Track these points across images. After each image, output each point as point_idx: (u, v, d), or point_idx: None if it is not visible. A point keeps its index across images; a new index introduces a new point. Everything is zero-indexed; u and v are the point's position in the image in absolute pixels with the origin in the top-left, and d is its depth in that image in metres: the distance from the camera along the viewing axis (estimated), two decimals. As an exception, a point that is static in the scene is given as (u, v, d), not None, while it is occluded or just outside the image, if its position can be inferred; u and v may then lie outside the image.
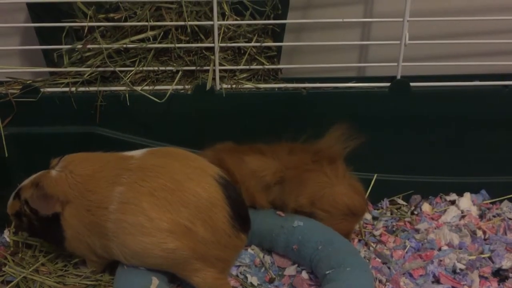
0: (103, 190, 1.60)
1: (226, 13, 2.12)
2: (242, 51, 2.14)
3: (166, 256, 1.56)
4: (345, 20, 2.04)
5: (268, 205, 1.89)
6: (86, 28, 2.02)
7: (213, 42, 2.01)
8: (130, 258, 1.61)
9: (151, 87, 2.04)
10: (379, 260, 1.88)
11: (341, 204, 1.84)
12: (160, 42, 2.06)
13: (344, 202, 1.83)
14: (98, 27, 2.07)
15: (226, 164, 1.82)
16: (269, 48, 2.17)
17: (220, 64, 2.05)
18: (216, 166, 1.70)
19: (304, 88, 2.07)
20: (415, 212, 2.16)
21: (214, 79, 2.04)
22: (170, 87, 2.01)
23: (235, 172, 1.82)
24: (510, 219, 2.10)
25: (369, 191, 2.13)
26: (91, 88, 2.03)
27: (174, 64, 2.09)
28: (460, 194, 2.21)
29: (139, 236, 1.55)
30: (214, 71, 2.03)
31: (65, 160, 1.70)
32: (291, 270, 1.84)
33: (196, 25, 2.06)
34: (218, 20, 1.98)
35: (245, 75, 2.13)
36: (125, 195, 1.57)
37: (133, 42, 2.05)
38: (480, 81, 2.12)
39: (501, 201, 2.21)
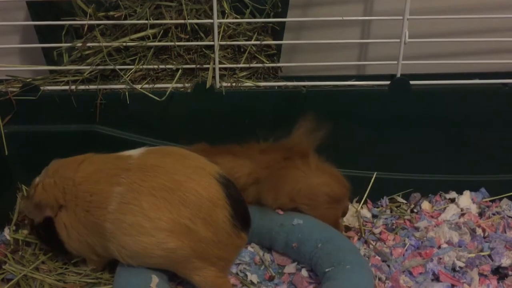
0: (102, 191, 1.60)
1: (226, 11, 2.12)
2: (242, 49, 2.14)
3: (167, 256, 1.56)
4: (345, 18, 2.04)
5: None
6: (86, 26, 2.02)
7: (213, 40, 2.01)
8: (128, 258, 1.60)
9: (151, 86, 2.04)
10: (379, 258, 1.89)
11: (320, 194, 1.84)
12: (160, 40, 2.06)
13: (322, 191, 1.84)
14: (98, 25, 2.07)
15: None
16: (269, 46, 2.16)
17: (220, 63, 2.05)
18: None
19: (304, 86, 2.07)
20: (415, 210, 2.16)
21: (214, 77, 2.04)
22: (170, 86, 2.01)
23: None
24: (509, 217, 2.10)
25: (368, 189, 2.13)
26: (91, 87, 2.03)
27: (174, 63, 2.09)
28: (460, 192, 2.21)
29: (138, 236, 1.55)
30: (214, 69, 2.03)
31: (53, 165, 1.72)
32: (291, 268, 1.85)
33: (196, 23, 2.06)
34: (218, 18, 1.98)
35: (245, 73, 2.13)
36: (125, 196, 1.57)
37: (133, 40, 2.05)
38: (480, 79, 2.11)
39: (500, 199, 2.21)
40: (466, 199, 2.17)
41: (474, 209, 2.15)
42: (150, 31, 2.04)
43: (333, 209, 1.89)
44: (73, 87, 2.02)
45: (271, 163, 1.85)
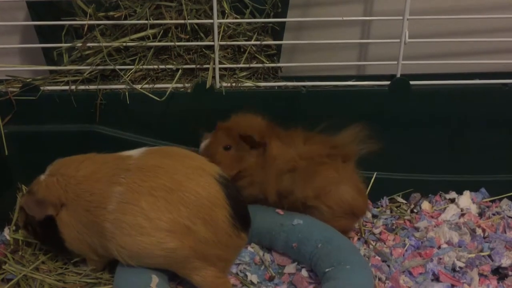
0: (101, 191, 1.60)
1: (226, 11, 2.12)
2: (242, 50, 2.14)
3: (166, 256, 1.56)
4: (345, 18, 2.04)
5: (275, 197, 1.87)
6: (86, 27, 2.02)
7: (213, 41, 2.01)
8: (128, 258, 1.60)
9: (151, 86, 2.04)
10: (379, 258, 1.89)
11: (345, 203, 1.84)
12: (160, 41, 2.06)
13: (348, 201, 1.84)
14: (98, 25, 2.07)
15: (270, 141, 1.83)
16: (269, 46, 2.17)
17: (220, 63, 2.05)
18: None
19: (304, 86, 2.07)
20: (415, 210, 2.16)
21: (214, 77, 2.04)
22: (170, 86, 2.01)
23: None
24: (509, 217, 2.10)
25: (369, 189, 2.13)
26: (91, 87, 2.03)
27: (174, 63, 2.09)
28: (460, 192, 2.21)
29: (138, 236, 1.55)
30: (214, 69, 2.03)
31: (56, 164, 1.72)
32: (290, 268, 1.85)
33: (196, 24, 2.06)
34: (218, 19, 1.98)
35: (245, 73, 2.13)
36: (124, 195, 1.57)
37: (133, 40, 2.05)
38: (480, 79, 2.12)
39: (500, 199, 2.21)
40: (466, 199, 2.17)
41: (474, 209, 2.15)
42: (150, 31, 2.04)
43: (348, 221, 1.89)
44: (73, 87, 2.02)
45: (312, 156, 1.85)
